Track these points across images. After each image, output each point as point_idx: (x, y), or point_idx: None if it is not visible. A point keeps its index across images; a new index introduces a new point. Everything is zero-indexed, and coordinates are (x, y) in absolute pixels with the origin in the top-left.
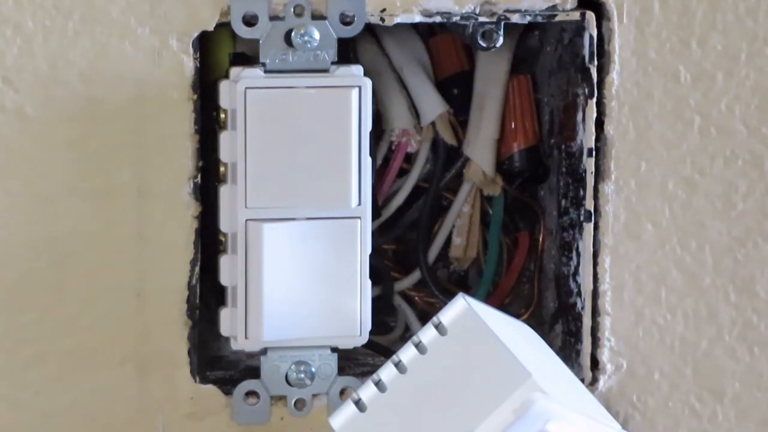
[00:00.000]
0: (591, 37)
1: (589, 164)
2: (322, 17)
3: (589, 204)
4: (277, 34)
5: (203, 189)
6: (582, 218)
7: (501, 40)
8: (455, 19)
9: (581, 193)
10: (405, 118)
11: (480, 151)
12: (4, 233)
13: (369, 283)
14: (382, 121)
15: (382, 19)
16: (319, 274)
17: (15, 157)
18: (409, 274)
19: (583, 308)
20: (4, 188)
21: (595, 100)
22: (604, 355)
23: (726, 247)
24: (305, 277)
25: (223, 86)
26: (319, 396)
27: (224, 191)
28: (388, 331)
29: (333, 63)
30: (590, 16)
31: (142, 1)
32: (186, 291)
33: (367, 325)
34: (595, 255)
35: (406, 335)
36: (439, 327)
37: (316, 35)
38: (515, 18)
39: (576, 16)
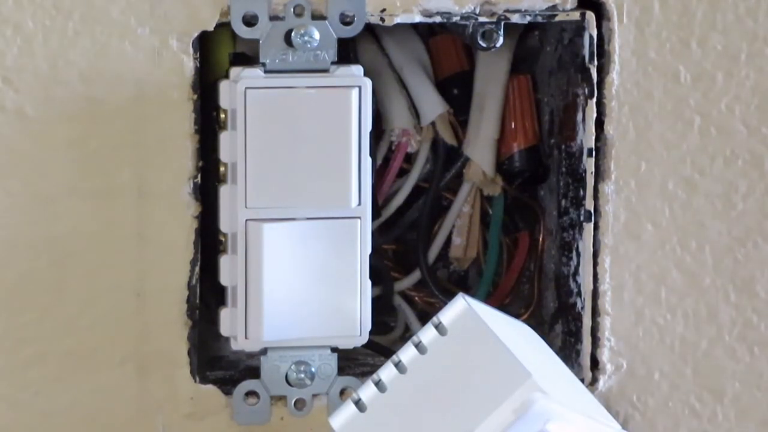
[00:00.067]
0: (591, 37)
1: (589, 164)
2: (322, 17)
3: (589, 204)
4: (277, 34)
5: (203, 189)
6: (582, 218)
7: (501, 40)
8: (455, 19)
9: (581, 193)
10: (405, 118)
11: (480, 151)
12: (4, 233)
13: (369, 283)
14: (382, 121)
15: (382, 19)
16: (319, 274)
17: (15, 157)
18: (409, 274)
19: (583, 308)
20: (4, 188)
21: (595, 100)
22: (604, 355)
23: (726, 247)
24: (305, 277)
25: (223, 86)
26: (319, 396)
27: (224, 191)
28: (388, 331)
29: (333, 63)
30: (590, 16)
31: (142, 1)
32: (186, 291)
33: (367, 325)
34: (595, 255)
35: (406, 335)
36: (439, 327)
37: (316, 35)
38: (515, 18)
39: (576, 16)
